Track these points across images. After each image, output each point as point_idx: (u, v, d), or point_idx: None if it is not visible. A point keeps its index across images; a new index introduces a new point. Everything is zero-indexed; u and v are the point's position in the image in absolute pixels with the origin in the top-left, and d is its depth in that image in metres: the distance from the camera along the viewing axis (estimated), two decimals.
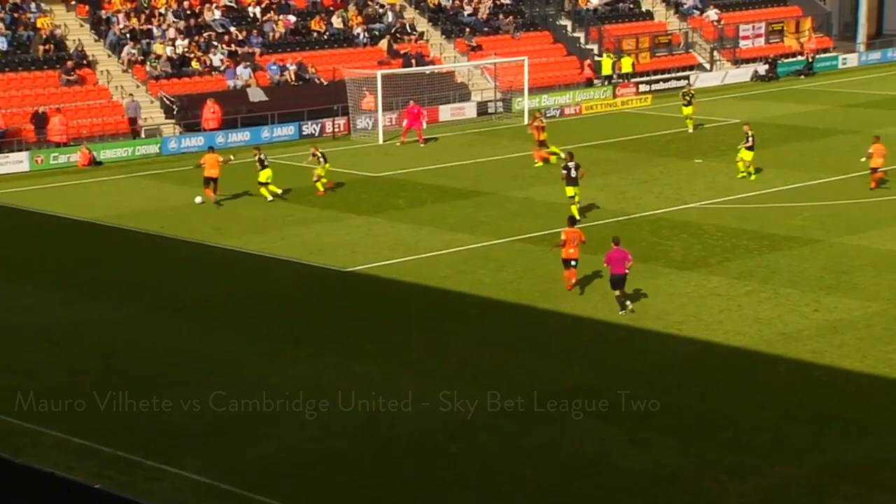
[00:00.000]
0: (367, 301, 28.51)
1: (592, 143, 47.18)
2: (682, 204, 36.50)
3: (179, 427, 21.21)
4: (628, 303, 26.59)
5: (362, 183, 41.15)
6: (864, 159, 37.79)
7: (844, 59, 66.79)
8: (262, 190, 38.00)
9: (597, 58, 60.01)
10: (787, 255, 30.92)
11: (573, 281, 27.96)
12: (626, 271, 26.15)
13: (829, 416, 21.21)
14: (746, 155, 39.02)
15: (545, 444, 20.32)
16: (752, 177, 39.11)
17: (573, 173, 34.10)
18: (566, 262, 27.87)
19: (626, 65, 59.31)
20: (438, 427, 21.08)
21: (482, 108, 54.29)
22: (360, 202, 38.11)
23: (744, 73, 62.99)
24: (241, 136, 48.18)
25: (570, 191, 34.28)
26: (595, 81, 58.08)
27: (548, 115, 53.03)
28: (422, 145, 46.97)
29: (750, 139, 38.85)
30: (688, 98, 49.13)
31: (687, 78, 60.81)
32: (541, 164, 41.96)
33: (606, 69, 58.94)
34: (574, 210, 33.66)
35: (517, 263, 30.79)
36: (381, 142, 48.13)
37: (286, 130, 49.32)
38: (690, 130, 48.12)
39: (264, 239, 33.70)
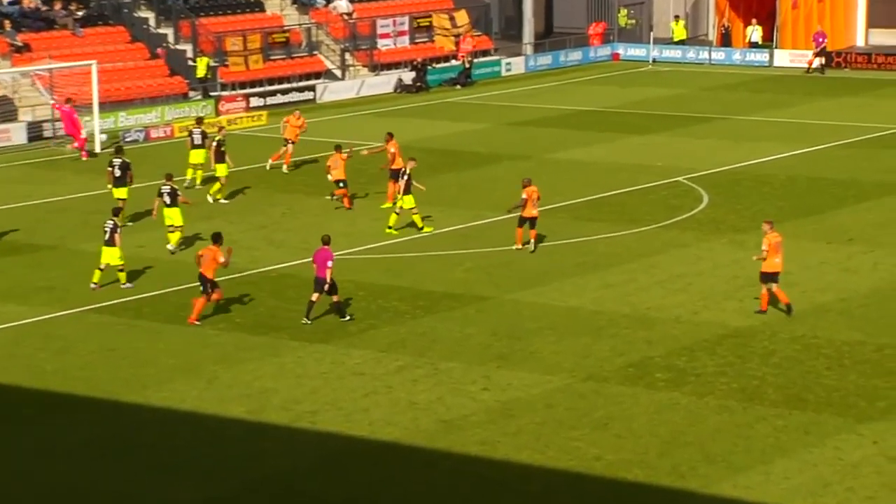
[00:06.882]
0: None
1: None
2: (311, 255, 37.05)
3: None
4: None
5: None
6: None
7: (508, 63, 70.15)
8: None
9: (190, 62, 60.25)
10: (448, 317, 31.95)
11: None
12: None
13: None
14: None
15: None
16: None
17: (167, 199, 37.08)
18: None
19: (202, 67, 59.49)
20: None
21: (35, 131, 53.22)
22: None
23: (385, 83, 64.91)
24: None
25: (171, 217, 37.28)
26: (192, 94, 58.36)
27: (128, 138, 52.58)
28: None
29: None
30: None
31: (312, 88, 62.04)
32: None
33: (202, 73, 59.41)
34: None
35: (90, 342, 30.33)
36: None
37: None
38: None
39: None
